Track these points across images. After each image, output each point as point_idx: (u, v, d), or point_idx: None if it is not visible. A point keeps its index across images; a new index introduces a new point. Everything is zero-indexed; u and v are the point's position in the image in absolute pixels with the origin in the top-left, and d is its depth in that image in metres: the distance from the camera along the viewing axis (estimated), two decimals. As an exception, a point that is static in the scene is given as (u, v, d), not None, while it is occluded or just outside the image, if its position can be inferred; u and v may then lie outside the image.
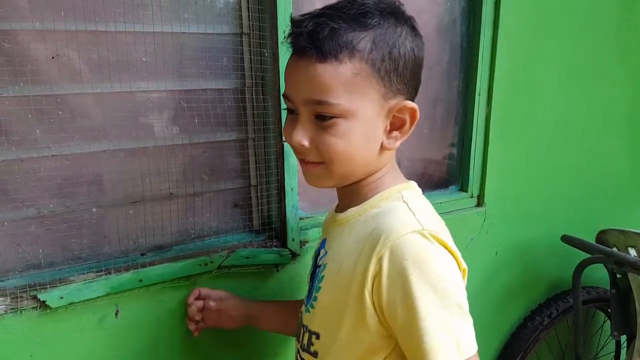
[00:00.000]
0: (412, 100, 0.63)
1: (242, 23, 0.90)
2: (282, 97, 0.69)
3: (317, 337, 0.66)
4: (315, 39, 0.56)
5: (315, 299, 0.67)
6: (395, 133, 0.63)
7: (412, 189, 0.67)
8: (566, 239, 1.34)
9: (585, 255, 1.31)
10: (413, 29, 0.62)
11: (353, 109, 0.58)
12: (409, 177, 1.25)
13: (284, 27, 0.86)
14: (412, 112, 0.61)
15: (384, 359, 0.61)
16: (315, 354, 0.67)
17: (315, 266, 0.71)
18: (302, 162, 0.64)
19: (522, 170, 1.34)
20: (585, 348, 1.52)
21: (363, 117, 0.59)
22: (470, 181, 1.27)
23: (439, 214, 1.19)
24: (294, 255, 0.98)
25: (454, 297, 0.55)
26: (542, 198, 1.40)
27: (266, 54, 0.90)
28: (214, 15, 0.88)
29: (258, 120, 0.95)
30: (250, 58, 0.91)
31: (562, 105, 1.37)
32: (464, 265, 0.61)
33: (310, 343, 0.67)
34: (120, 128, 0.84)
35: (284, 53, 0.86)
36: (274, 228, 0.99)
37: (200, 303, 0.85)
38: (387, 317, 0.57)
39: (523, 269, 1.42)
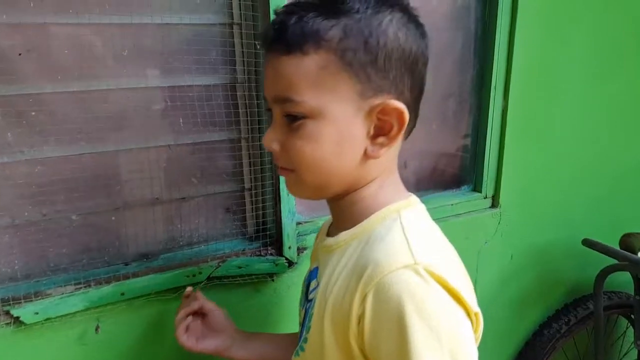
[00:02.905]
0: (407, 103, 0.53)
1: (232, 12, 0.82)
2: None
3: None
4: (281, 31, 0.50)
5: (306, 340, 0.58)
6: (381, 139, 0.53)
7: (413, 206, 0.57)
8: (588, 243, 1.25)
9: (607, 259, 1.22)
10: (405, 14, 0.52)
11: (320, 108, 0.51)
12: (419, 177, 1.20)
13: (276, 16, 0.78)
14: (398, 113, 0.52)
15: None
16: None
17: (307, 300, 0.63)
18: (278, 167, 0.58)
19: (541, 169, 1.25)
20: (606, 357, 1.44)
21: (334, 117, 0.51)
22: (485, 181, 1.19)
23: (450, 216, 1.16)
24: (291, 264, 0.92)
25: (447, 345, 0.46)
26: (562, 198, 1.31)
27: (259, 46, 0.83)
28: (201, 4, 0.80)
29: (252, 119, 0.87)
30: (242, 51, 0.84)
31: (585, 98, 1.26)
32: (475, 309, 0.50)
33: None
34: (100, 129, 0.77)
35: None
36: (269, 234, 0.92)
37: (196, 303, 0.76)
38: None
39: (540, 274, 1.34)
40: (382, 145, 0.53)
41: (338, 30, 0.49)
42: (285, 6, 0.53)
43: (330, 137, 0.51)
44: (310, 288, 0.62)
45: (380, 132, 0.53)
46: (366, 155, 0.54)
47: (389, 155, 0.56)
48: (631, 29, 1.29)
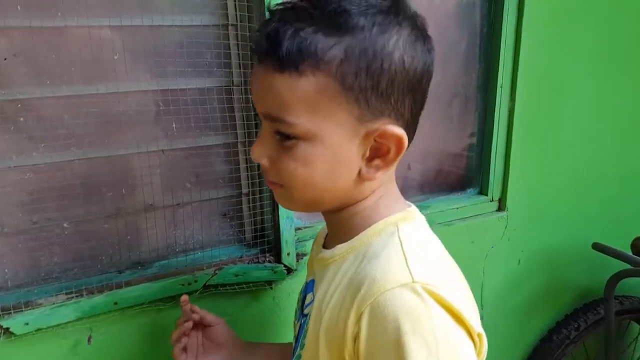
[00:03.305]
0: (407, 123, 0.50)
1: (227, 13, 0.80)
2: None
3: None
4: (274, 43, 0.45)
5: (299, 357, 0.56)
6: (376, 161, 0.50)
7: (412, 218, 0.54)
8: (599, 248, 1.21)
9: (618, 264, 1.18)
10: (414, 31, 0.48)
11: (316, 131, 0.47)
12: (423, 180, 1.17)
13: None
14: (397, 139, 0.49)
15: None
16: None
17: (302, 314, 0.60)
18: (266, 180, 0.55)
19: (549, 171, 1.21)
20: (617, 363, 1.40)
21: (329, 141, 0.48)
22: (491, 183, 1.15)
23: (456, 220, 1.12)
24: (290, 271, 0.89)
25: None
26: (571, 201, 1.27)
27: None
28: (195, 5, 0.78)
29: (248, 123, 0.85)
30: (238, 53, 0.81)
31: (594, 98, 1.22)
32: (478, 329, 0.47)
33: None
34: (91, 134, 0.75)
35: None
36: (267, 241, 0.89)
37: (189, 324, 0.74)
38: None
39: (549, 278, 1.30)
40: (377, 168, 0.51)
41: (339, 51, 0.45)
42: (279, 10, 0.49)
43: (324, 160, 0.49)
44: (306, 302, 0.59)
45: (377, 154, 0.50)
46: (360, 177, 0.51)
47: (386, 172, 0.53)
48: (639, 26, 1.25)
